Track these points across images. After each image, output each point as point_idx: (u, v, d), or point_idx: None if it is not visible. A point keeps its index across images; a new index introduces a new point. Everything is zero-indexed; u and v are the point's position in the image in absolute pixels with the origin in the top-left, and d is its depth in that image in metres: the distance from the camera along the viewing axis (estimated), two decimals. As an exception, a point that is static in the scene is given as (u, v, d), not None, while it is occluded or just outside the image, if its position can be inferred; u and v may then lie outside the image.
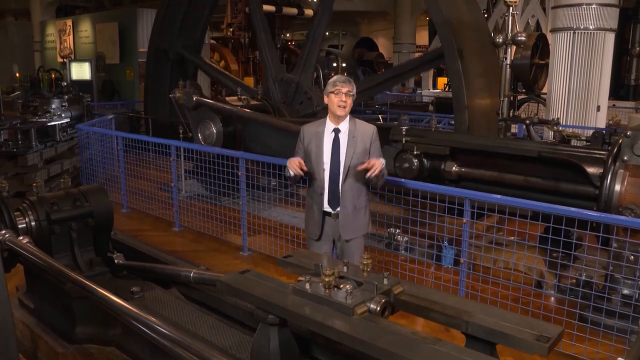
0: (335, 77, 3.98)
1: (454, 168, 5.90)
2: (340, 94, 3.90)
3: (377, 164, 3.85)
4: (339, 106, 3.91)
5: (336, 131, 3.98)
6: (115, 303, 2.52)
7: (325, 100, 4.00)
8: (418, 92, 22.46)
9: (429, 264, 5.67)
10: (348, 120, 4.01)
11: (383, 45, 34.98)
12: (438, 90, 22.63)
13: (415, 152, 5.92)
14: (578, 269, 4.81)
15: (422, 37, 33.35)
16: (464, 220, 4.55)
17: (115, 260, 4.16)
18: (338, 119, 3.97)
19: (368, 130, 4.03)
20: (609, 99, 11.03)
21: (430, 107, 15.42)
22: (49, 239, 3.74)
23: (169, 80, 11.53)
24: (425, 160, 5.99)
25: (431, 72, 24.37)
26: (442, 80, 26.38)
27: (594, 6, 9.30)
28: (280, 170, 5.88)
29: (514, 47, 8.14)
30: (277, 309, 2.55)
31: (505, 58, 7.13)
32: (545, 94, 12.72)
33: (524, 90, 14.17)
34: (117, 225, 4.83)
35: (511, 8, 6.84)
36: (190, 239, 6.92)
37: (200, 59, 11.71)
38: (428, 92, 21.04)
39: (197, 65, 11.63)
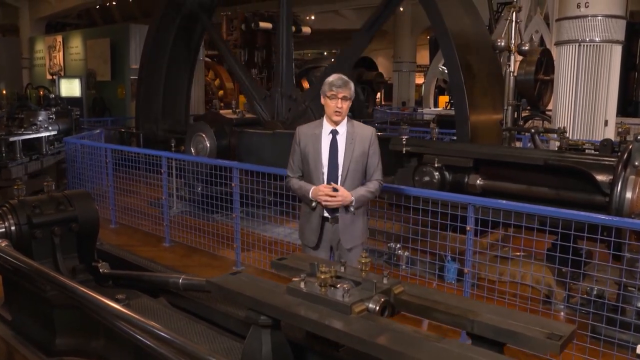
0: (332, 78, 3.87)
1: (478, 181, 5.66)
2: (336, 99, 3.82)
3: (340, 198, 3.80)
4: (335, 112, 3.85)
5: (334, 133, 3.93)
6: (96, 301, 2.45)
7: (322, 100, 3.94)
8: (419, 111, 22.55)
9: (431, 279, 5.59)
10: (346, 122, 3.96)
11: (382, 64, 35.27)
12: (439, 109, 22.73)
13: (436, 165, 5.70)
14: (589, 281, 4.74)
15: (423, 57, 33.67)
16: (468, 228, 4.48)
17: (100, 270, 4.08)
18: (335, 121, 3.93)
19: (367, 132, 3.97)
20: (616, 116, 11.04)
21: (432, 125, 15.42)
22: (29, 244, 3.67)
23: (163, 79, 11.54)
24: (447, 173, 5.78)
25: (432, 91, 24.52)
26: (443, 99, 26.51)
27: (599, 17, 9.34)
28: (276, 180, 5.84)
29: (518, 56, 8.18)
30: (269, 308, 2.47)
31: (509, 66, 7.14)
32: (550, 110, 12.75)
33: (528, 108, 14.20)
34: (105, 241, 4.75)
35: (514, 14, 6.85)
36: (180, 254, 6.84)
37: (211, 25, 11.33)
38: (429, 111, 21.11)
39: (207, 30, 11.29)
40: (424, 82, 26.26)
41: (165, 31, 11.42)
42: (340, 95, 3.81)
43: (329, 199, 3.79)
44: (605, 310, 4.30)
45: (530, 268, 4.86)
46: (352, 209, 3.86)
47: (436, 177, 5.71)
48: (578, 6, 9.47)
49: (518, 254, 5.33)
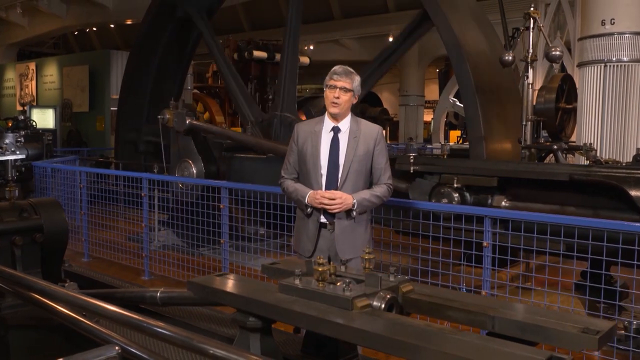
0: (334, 68, 3.87)
1: (503, 203, 5.52)
2: (334, 89, 3.79)
3: (337, 203, 3.71)
4: (332, 103, 3.81)
5: (335, 130, 3.88)
6: (61, 294, 2.35)
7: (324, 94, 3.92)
8: (428, 146, 22.61)
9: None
10: (349, 118, 3.92)
11: (387, 100, 35.60)
12: (451, 143, 22.81)
13: (455, 185, 5.56)
14: (627, 313, 4.62)
15: (431, 91, 34.00)
16: (485, 244, 4.40)
17: (68, 290, 3.98)
18: (336, 116, 3.88)
19: (372, 130, 3.93)
20: (648, 146, 11.02)
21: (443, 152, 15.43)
22: (-14, 255, 3.57)
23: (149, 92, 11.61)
24: (467, 194, 5.63)
25: (442, 126, 24.67)
26: (454, 134, 26.66)
27: (627, 35, 9.40)
28: (270, 200, 5.77)
29: (536, 65, 8.24)
30: (259, 307, 2.38)
31: (527, 77, 7.17)
32: (573, 141, 12.76)
33: (550, 140, 14.23)
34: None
35: (532, 20, 6.91)
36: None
37: (210, 28, 11.10)
38: (439, 146, 21.19)
39: (202, 36, 11.19)
40: (433, 118, 26.44)
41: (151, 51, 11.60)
42: (339, 85, 3.77)
43: (328, 201, 3.71)
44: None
45: (557, 298, 4.74)
46: (354, 213, 3.77)
47: (455, 199, 5.54)
48: (603, 23, 9.55)
49: (541, 288, 5.21)
